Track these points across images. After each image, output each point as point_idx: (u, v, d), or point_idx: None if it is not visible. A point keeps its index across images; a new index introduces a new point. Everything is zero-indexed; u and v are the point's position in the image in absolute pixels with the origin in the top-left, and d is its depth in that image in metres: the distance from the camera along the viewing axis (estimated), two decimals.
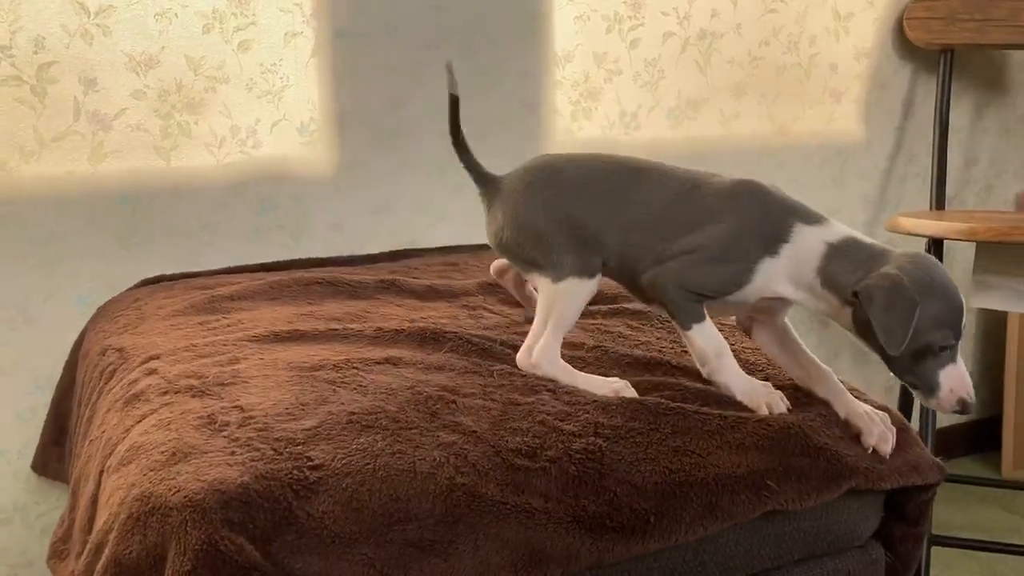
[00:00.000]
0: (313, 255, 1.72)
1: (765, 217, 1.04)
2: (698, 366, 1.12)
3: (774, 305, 1.11)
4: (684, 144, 2.03)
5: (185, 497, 0.85)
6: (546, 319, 1.12)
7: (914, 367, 1.00)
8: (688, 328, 1.08)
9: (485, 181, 1.18)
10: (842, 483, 1.04)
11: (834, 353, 2.35)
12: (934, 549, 2.09)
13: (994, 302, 1.93)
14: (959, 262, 2.46)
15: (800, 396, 1.13)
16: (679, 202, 1.08)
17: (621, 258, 1.10)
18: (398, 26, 1.71)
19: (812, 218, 1.04)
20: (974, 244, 2.05)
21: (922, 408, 1.92)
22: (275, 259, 1.69)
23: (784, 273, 1.04)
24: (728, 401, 1.10)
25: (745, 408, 1.09)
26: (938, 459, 1.12)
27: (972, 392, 1.00)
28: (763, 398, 1.09)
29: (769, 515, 1.04)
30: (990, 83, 2.38)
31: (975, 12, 2.12)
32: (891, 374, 1.11)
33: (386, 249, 1.78)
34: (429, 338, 1.23)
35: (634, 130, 1.96)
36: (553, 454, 0.97)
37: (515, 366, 1.17)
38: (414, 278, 1.53)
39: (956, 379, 0.99)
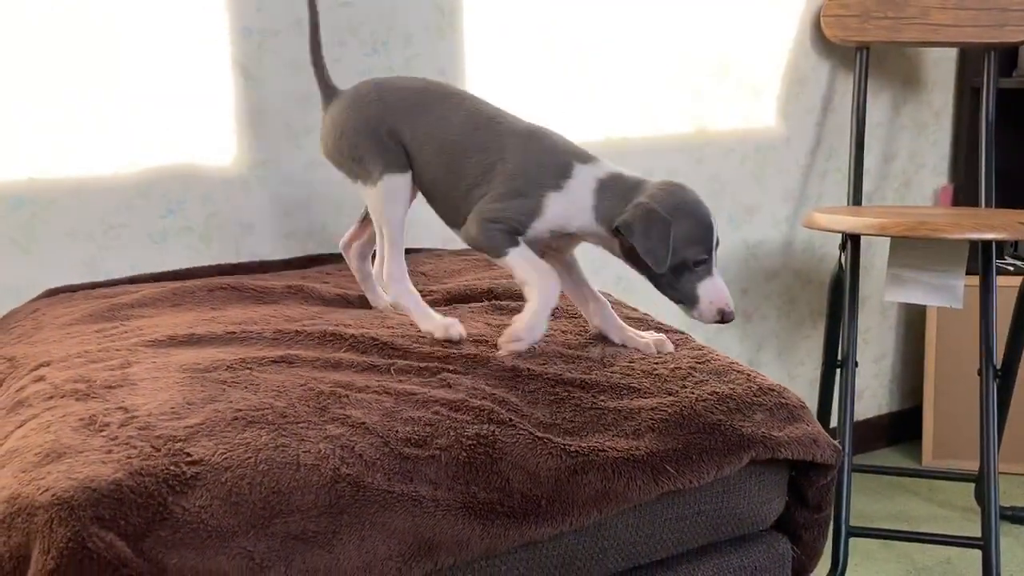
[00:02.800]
0: (224, 259, 1.68)
1: (551, 156, 1.15)
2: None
3: (561, 244, 1.20)
4: (604, 139, 2.03)
5: (53, 496, 0.82)
6: (381, 230, 1.24)
7: (675, 283, 1.10)
8: (504, 254, 1.15)
9: (328, 93, 1.30)
10: (741, 454, 1.04)
11: (757, 347, 2.37)
12: (853, 540, 2.11)
13: (908, 296, 1.96)
14: (878, 256, 2.49)
15: (692, 378, 1.13)
16: (480, 128, 1.18)
17: (425, 169, 1.21)
18: (305, 22, 1.68)
19: (586, 158, 1.16)
20: (889, 242, 2.09)
21: (841, 402, 1.94)
22: (184, 263, 1.65)
23: (569, 208, 1.14)
24: (624, 390, 1.10)
25: (639, 395, 1.09)
26: (835, 442, 1.13)
27: (730, 302, 1.11)
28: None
29: (669, 498, 1.04)
30: (906, 80, 2.43)
31: (888, 10, 2.16)
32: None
33: (302, 251, 1.75)
34: (329, 338, 1.21)
35: (550, 122, 1.96)
36: (444, 442, 0.96)
37: (416, 361, 1.15)
38: (323, 283, 1.51)
39: (714, 291, 1.10)
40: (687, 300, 1.11)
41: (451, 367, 1.13)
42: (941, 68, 2.47)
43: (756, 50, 2.18)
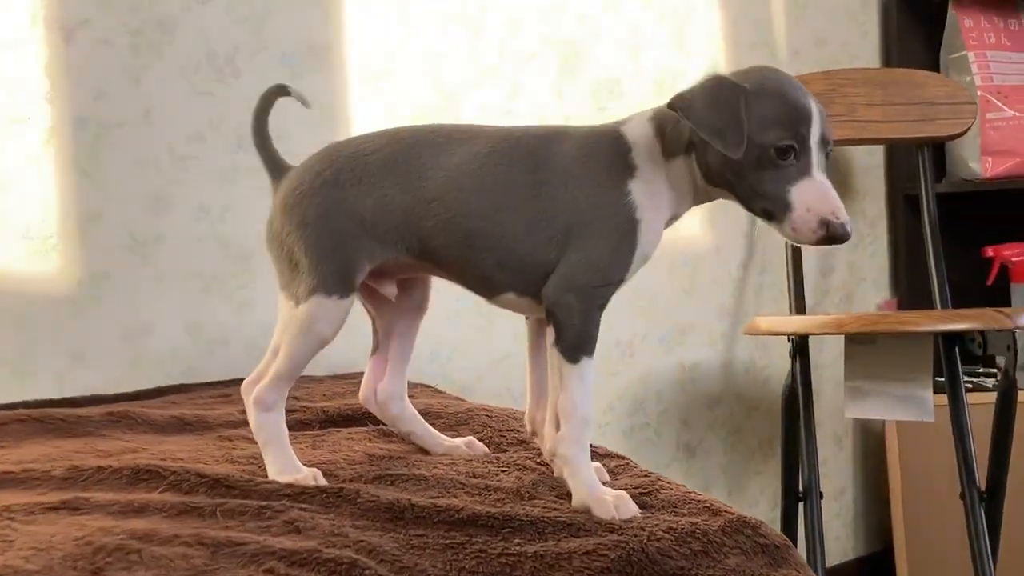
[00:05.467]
0: (45, 395, 1.34)
1: (601, 139, 0.91)
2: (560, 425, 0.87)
3: None
4: None
5: None
6: (278, 345, 0.94)
7: (759, 185, 0.85)
8: (576, 361, 0.86)
9: (276, 172, 0.99)
10: None
11: (704, 486, 2.08)
12: None
13: (871, 410, 1.71)
14: (827, 377, 2.26)
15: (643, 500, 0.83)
16: (499, 159, 0.91)
17: (436, 237, 0.91)
18: (156, 113, 1.42)
19: (618, 121, 0.93)
20: (844, 351, 1.86)
21: (808, 541, 1.64)
22: None
23: (651, 175, 0.89)
24: (550, 527, 0.79)
25: (570, 534, 0.78)
26: None
27: (841, 212, 0.84)
28: (610, 502, 0.83)
29: None
30: (837, 188, 2.26)
31: None
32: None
33: (148, 383, 1.42)
34: (143, 475, 0.89)
35: None
36: None
37: (258, 499, 0.83)
38: (158, 409, 1.18)
39: (813, 194, 0.84)
40: (776, 208, 0.85)
41: (304, 505, 0.81)
42: (871, 175, 2.33)
43: None
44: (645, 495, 0.85)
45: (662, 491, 0.86)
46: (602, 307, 0.87)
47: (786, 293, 2.10)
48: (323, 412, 1.14)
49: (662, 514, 0.81)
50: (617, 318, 1.93)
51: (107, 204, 1.40)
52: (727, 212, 2.07)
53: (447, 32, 1.70)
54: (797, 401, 1.75)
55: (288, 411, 1.12)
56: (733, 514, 0.82)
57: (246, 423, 1.15)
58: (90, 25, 1.38)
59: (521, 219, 0.88)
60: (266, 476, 0.90)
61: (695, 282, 2.04)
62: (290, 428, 1.07)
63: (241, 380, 1.32)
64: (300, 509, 0.79)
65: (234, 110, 1.49)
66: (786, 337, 1.85)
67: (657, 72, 1.97)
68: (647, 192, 0.89)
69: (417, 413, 1.05)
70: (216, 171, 1.48)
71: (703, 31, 2.03)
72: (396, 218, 0.91)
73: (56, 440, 1.06)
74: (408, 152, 0.92)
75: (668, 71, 1.98)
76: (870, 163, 2.33)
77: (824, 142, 0.86)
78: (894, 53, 2.26)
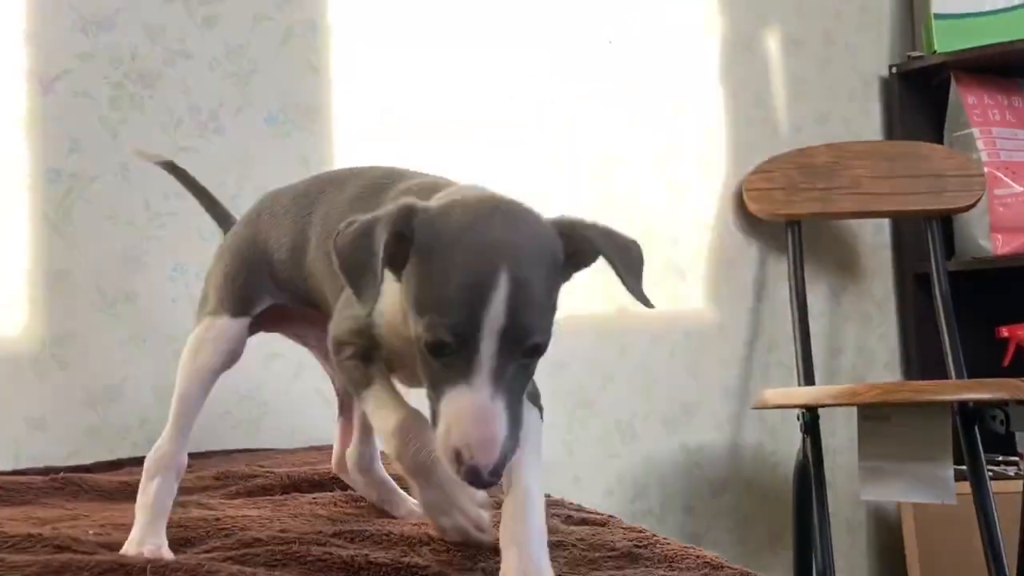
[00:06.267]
0: None
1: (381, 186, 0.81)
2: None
3: None
4: None
5: None
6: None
7: (425, 376, 0.65)
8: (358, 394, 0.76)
9: (226, 226, 1.00)
10: None
11: None
12: None
13: (888, 492, 1.60)
14: (839, 464, 2.14)
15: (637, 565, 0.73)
16: (352, 199, 0.81)
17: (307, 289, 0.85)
18: (132, 168, 1.37)
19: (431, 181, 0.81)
20: (857, 430, 1.75)
21: None
22: None
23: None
24: None
25: None
26: None
27: (478, 448, 0.59)
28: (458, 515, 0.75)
29: None
30: (844, 267, 2.21)
31: (817, 182, 1.97)
32: None
33: (109, 455, 1.32)
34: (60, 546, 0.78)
35: None
36: None
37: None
38: (107, 474, 1.09)
39: (456, 410, 0.61)
40: (432, 415, 0.64)
41: (247, 568, 0.71)
42: (878, 255, 2.27)
43: (677, 226, 1.94)
44: (639, 547, 0.75)
45: (657, 545, 0.76)
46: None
47: (792, 372, 2.01)
48: (287, 477, 1.05)
49: (658, 569, 0.70)
50: (617, 397, 1.84)
51: (77, 260, 1.34)
52: (729, 286, 2.00)
53: (435, 95, 1.67)
54: (809, 481, 1.64)
55: (249, 476, 1.04)
56: (735, 569, 0.71)
57: (217, 484, 1.06)
58: (70, 76, 1.35)
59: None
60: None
61: (699, 360, 1.95)
62: (251, 494, 0.98)
63: (211, 452, 1.23)
64: (239, 569, 0.69)
65: (216, 166, 1.43)
66: (796, 416, 1.75)
67: (656, 145, 1.93)
68: None
69: (388, 477, 0.96)
70: (194, 229, 1.42)
71: (703, 105, 2.00)
72: (284, 254, 0.86)
73: None
74: (313, 188, 0.88)
75: (668, 144, 1.94)
76: (876, 242, 2.26)
77: (512, 337, 0.61)
78: (897, 129, 2.22)
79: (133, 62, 1.38)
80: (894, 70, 2.19)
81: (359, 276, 0.63)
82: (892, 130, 2.27)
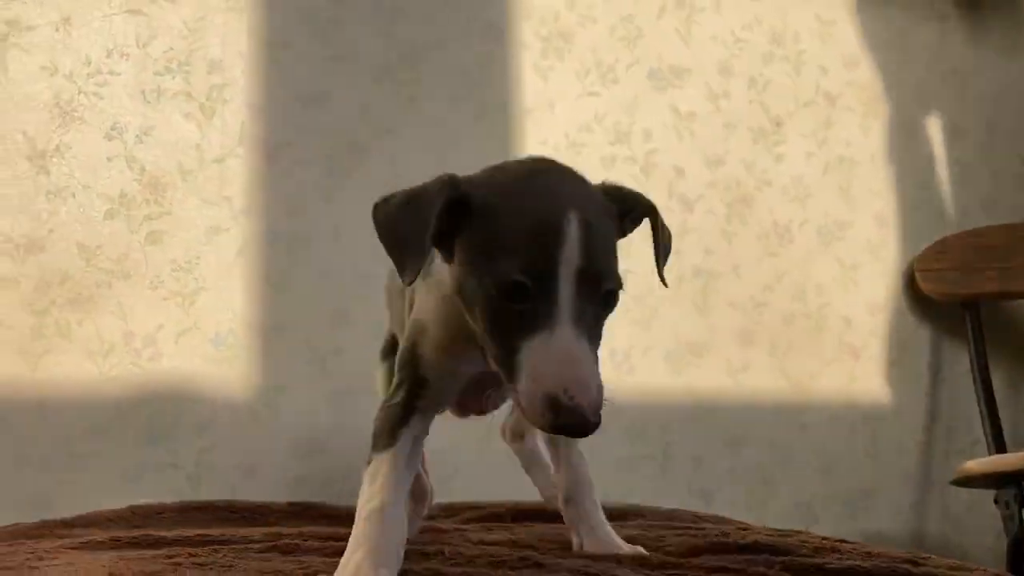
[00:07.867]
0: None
1: None
2: None
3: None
4: (685, 394, 1.70)
5: None
6: None
7: (490, 336, 0.63)
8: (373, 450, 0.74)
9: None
10: None
11: None
12: None
13: None
14: None
15: None
16: None
17: None
18: (343, 229, 1.45)
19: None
20: None
21: None
22: None
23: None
24: None
25: None
26: None
27: (576, 387, 0.55)
28: None
29: None
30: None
31: (993, 260, 1.92)
32: None
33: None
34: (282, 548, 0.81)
35: (626, 373, 1.64)
36: None
37: None
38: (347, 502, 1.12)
39: (545, 357, 0.58)
40: (506, 372, 0.61)
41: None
42: None
43: (849, 305, 1.91)
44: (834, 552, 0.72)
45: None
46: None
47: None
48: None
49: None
50: (798, 478, 1.79)
51: (291, 315, 1.40)
52: (905, 370, 1.94)
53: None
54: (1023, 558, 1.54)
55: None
56: None
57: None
58: (291, 146, 1.44)
59: None
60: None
61: (876, 443, 1.88)
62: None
63: None
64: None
65: None
66: (993, 499, 1.67)
67: (823, 220, 1.93)
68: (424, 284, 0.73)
69: (538, 450, 0.98)
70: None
71: (869, 186, 2.00)
72: None
73: (232, 527, 0.99)
74: None
75: (835, 220, 1.94)
76: None
77: (588, 278, 0.60)
78: None
79: (345, 135, 1.48)
80: None
81: (404, 248, 0.63)
82: None
